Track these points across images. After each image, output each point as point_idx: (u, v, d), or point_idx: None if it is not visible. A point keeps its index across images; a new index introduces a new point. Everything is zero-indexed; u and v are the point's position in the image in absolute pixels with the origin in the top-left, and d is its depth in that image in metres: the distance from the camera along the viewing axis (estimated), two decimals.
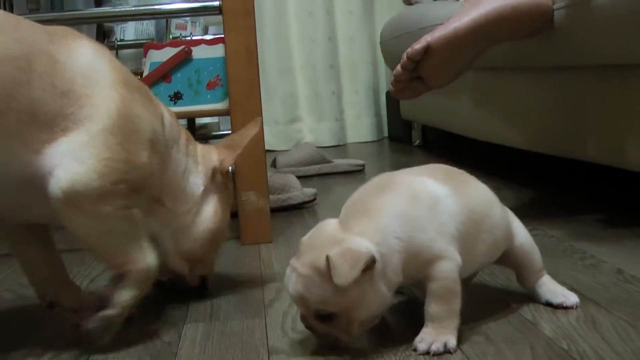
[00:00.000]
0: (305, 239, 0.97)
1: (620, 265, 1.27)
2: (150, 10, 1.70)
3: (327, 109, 3.74)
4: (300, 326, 0.98)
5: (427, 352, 0.93)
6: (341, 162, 2.71)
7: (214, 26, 2.75)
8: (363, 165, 2.70)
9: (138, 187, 1.03)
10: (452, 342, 0.94)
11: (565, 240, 1.47)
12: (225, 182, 1.23)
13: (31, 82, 0.95)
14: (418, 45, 1.53)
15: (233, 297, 1.26)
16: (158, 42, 2.20)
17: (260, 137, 1.40)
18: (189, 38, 2.43)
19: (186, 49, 1.81)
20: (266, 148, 3.69)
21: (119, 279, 1.03)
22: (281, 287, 1.22)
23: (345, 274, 0.87)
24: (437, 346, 0.93)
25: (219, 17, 1.62)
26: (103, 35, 2.61)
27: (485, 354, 0.93)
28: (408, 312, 1.09)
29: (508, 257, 1.10)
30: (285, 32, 3.72)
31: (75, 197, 0.96)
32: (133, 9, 1.68)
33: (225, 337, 1.05)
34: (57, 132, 0.96)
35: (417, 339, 0.95)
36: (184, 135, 1.19)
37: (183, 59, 1.82)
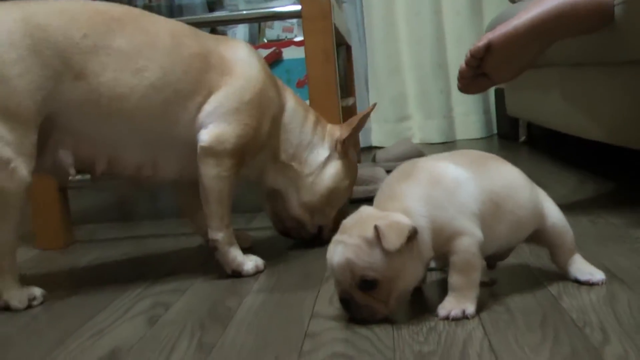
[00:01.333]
0: (346, 220, 1.09)
1: None
2: (238, 16, 1.87)
3: (436, 106, 3.83)
4: None
5: (447, 318, 1.04)
6: None
7: None
8: None
9: (255, 149, 1.43)
10: (470, 309, 1.04)
11: (623, 227, 1.54)
12: (344, 150, 1.58)
13: (208, 70, 1.38)
14: (480, 43, 1.62)
15: (297, 272, 1.40)
16: (251, 44, 2.37)
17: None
18: (296, 39, 2.60)
19: (277, 50, 1.97)
20: (376, 145, 3.86)
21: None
22: None
23: (393, 240, 0.99)
24: (455, 312, 1.04)
25: None
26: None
27: (498, 320, 1.03)
28: (438, 289, 1.20)
29: (540, 236, 1.19)
30: (393, 33, 3.84)
31: (218, 146, 1.35)
32: (223, 14, 1.84)
33: (279, 306, 1.20)
34: (213, 93, 1.38)
35: (440, 306, 1.06)
36: (312, 117, 1.58)
37: (275, 60, 1.98)
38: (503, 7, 3.44)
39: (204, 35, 1.46)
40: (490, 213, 1.08)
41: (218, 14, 1.88)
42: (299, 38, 2.58)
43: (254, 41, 2.43)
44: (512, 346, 0.93)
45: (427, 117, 3.83)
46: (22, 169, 1.23)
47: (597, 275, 1.17)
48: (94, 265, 1.64)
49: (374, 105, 1.66)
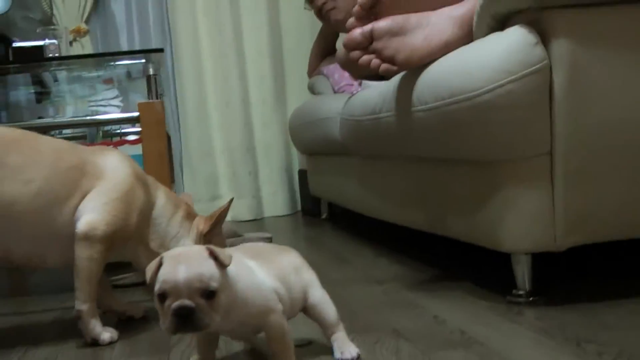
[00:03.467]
0: (167, 254, 1.20)
1: (441, 314, 1.69)
2: (84, 121, 2.12)
3: (245, 187, 4.17)
4: None
5: None
6: (251, 235, 3.10)
7: None
8: (270, 238, 3.10)
9: (125, 237, 1.69)
10: None
11: (411, 295, 1.90)
12: (207, 242, 1.77)
13: (84, 177, 1.67)
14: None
15: (147, 340, 1.65)
16: (90, 141, 2.62)
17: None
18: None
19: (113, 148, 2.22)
20: None
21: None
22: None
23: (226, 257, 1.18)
24: None
25: None
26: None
27: None
28: None
29: (307, 313, 1.43)
30: (205, 120, 4.16)
31: (90, 232, 1.62)
32: (70, 119, 2.09)
33: None
34: (88, 196, 1.66)
35: None
36: (181, 212, 1.82)
37: None
38: (305, 98, 3.85)
39: (83, 148, 1.77)
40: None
41: (61, 119, 2.11)
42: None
43: (93, 138, 2.66)
44: None
45: (237, 197, 4.15)
46: None
47: (348, 352, 1.40)
48: None
49: (232, 199, 1.89)
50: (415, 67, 1.87)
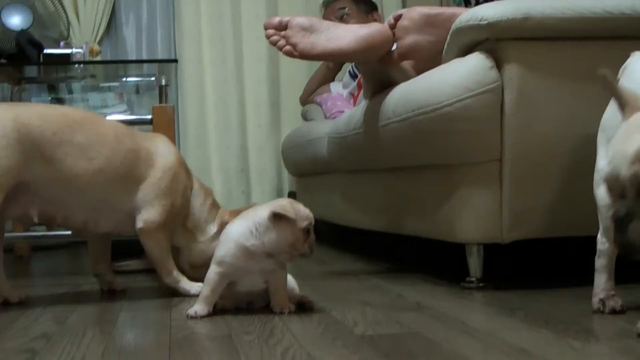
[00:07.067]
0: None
1: (403, 293, 1.98)
2: None
3: (239, 205, 4.45)
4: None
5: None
6: None
7: None
8: None
9: (172, 217, 2.00)
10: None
11: (384, 284, 2.19)
12: None
13: (139, 161, 1.97)
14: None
15: (156, 294, 1.95)
16: None
17: None
18: None
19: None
20: None
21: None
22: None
23: None
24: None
25: None
26: None
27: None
28: None
29: None
30: (204, 141, 4.46)
31: (148, 227, 1.96)
32: None
33: (145, 313, 1.74)
34: (142, 182, 1.97)
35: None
36: (210, 200, 2.13)
37: None
38: (298, 124, 4.16)
39: (137, 133, 2.05)
40: None
41: None
42: None
43: None
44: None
45: None
46: None
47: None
48: None
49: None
50: (311, 59, 2.33)
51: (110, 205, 1.95)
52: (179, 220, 2.05)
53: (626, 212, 1.23)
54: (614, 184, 1.25)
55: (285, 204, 1.65)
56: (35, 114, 1.86)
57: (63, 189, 1.88)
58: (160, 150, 2.03)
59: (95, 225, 1.98)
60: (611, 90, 1.41)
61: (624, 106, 1.36)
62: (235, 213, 1.98)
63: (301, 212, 1.64)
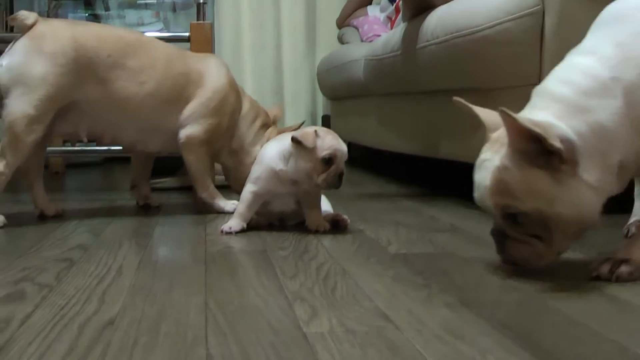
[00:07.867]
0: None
1: (437, 214, 1.99)
2: None
3: None
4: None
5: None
6: None
7: None
8: None
9: (217, 137, 2.03)
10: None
11: (416, 205, 2.20)
12: None
13: (189, 84, 2.00)
14: None
15: (188, 212, 1.98)
16: None
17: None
18: None
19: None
20: None
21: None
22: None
23: None
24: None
25: None
26: None
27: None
28: None
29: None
30: (239, 62, 4.45)
31: (191, 141, 1.99)
32: None
33: (182, 228, 1.77)
34: (190, 102, 2.00)
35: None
36: (260, 121, 2.14)
37: None
38: (333, 45, 4.14)
39: (189, 55, 2.09)
40: None
41: None
42: None
43: None
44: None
45: None
46: (39, 130, 1.80)
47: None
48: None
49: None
50: None
51: (159, 126, 1.99)
52: (225, 141, 2.08)
53: (500, 232, 1.27)
54: (484, 209, 1.28)
55: (308, 132, 1.63)
56: (93, 34, 1.89)
57: (112, 111, 1.91)
58: (212, 72, 2.05)
59: (144, 145, 2.03)
60: (469, 114, 1.41)
61: (485, 128, 1.36)
62: (282, 133, 2.01)
63: (325, 142, 1.62)
